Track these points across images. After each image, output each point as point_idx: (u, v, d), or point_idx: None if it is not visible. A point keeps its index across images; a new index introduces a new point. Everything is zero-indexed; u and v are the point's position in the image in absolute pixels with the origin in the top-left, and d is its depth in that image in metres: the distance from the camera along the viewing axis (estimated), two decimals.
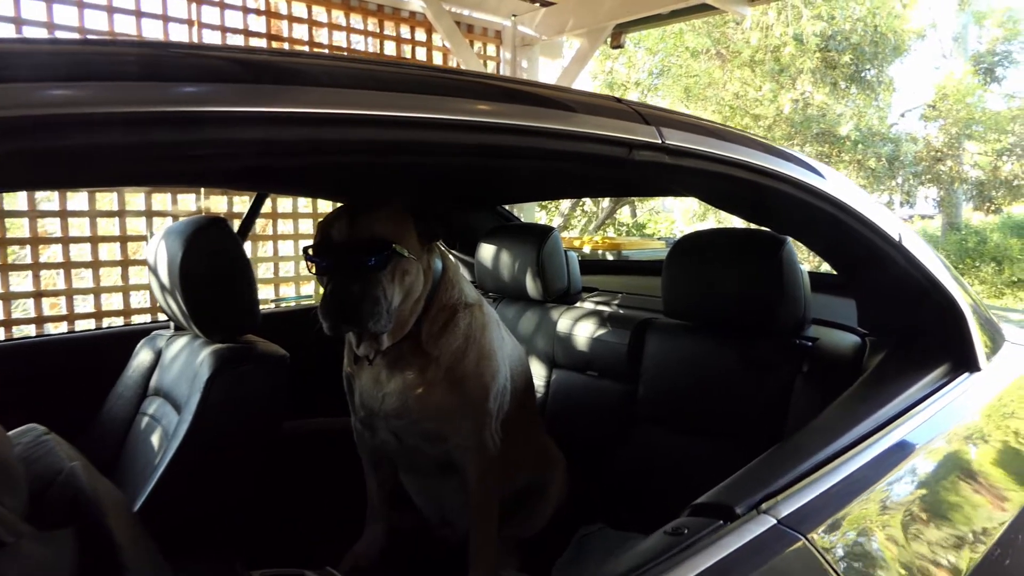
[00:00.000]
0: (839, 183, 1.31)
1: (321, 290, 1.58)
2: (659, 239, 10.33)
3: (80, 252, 3.91)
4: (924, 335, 1.48)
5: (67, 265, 3.82)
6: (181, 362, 1.81)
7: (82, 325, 3.91)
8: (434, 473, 1.82)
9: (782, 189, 1.20)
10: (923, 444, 1.15)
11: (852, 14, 11.31)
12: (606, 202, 12.85)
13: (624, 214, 14.13)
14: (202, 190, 4.17)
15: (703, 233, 1.89)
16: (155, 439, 1.78)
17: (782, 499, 0.91)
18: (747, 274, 1.69)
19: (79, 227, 3.87)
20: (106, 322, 4.02)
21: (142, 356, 1.99)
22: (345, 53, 4.79)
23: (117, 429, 1.91)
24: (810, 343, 1.69)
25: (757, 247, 1.69)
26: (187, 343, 1.83)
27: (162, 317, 2.22)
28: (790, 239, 1.70)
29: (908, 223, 12.74)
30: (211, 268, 1.69)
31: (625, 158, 0.97)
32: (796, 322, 1.70)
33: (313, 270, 1.57)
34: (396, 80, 0.79)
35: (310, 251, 1.55)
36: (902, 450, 1.10)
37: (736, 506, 0.87)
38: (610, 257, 7.65)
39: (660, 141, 1.00)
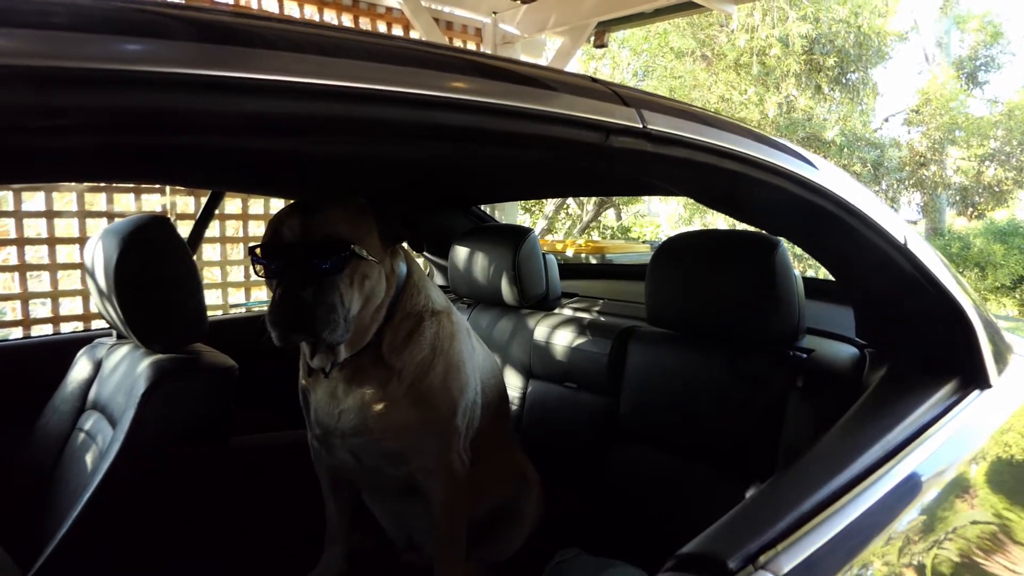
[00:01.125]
0: (838, 178, 1.18)
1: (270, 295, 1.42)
2: (644, 242, 10.22)
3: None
4: (929, 348, 1.36)
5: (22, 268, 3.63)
6: (120, 374, 1.66)
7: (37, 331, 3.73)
8: (398, 494, 1.68)
9: (777, 184, 1.07)
10: (935, 475, 1.02)
11: (836, 15, 11.27)
12: (591, 205, 12.74)
13: (609, 217, 14.03)
14: (167, 189, 3.99)
15: (690, 235, 1.76)
16: (89, 458, 1.63)
17: (783, 549, 0.77)
18: (737, 279, 1.56)
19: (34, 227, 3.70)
20: (66, 328, 3.84)
21: (80, 366, 1.83)
22: None
23: (52, 446, 1.75)
24: (805, 355, 1.56)
25: (748, 250, 1.56)
26: (128, 353, 1.68)
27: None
28: (784, 241, 1.57)
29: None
30: (151, 271, 1.54)
31: (601, 145, 0.83)
32: (790, 332, 1.57)
33: (261, 273, 1.42)
34: (334, 44, 0.65)
35: (258, 252, 1.39)
36: (915, 485, 0.97)
37: (729, 559, 0.73)
38: (593, 261, 7.52)
39: (641, 126, 0.86)
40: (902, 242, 1.27)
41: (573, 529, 1.83)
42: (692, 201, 13.89)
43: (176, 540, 1.59)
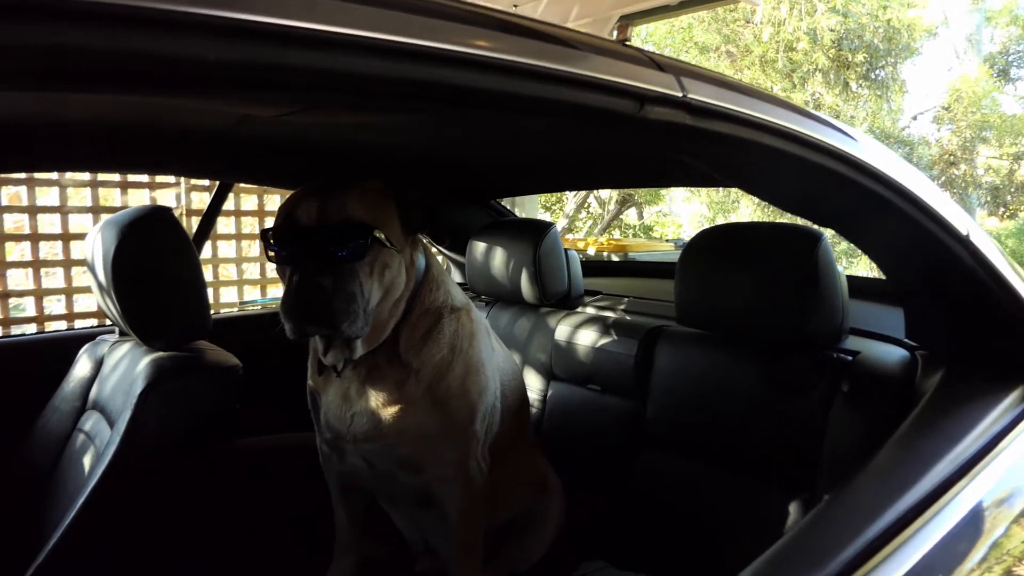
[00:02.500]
0: (893, 161, 1.06)
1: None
2: (668, 240, 10.02)
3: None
4: (993, 350, 1.23)
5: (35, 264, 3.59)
6: (120, 372, 1.58)
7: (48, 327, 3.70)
8: (413, 501, 1.58)
9: (826, 165, 0.95)
10: (1015, 493, 0.90)
11: (864, 9, 11.01)
12: (612, 204, 12.59)
13: (631, 217, 13.85)
14: (182, 184, 3.94)
15: (724, 228, 1.64)
16: (87, 460, 1.55)
17: None
18: (777, 276, 1.44)
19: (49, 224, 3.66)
20: (81, 325, 3.80)
21: (82, 364, 1.76)
22: None
23: (51, 446, 1.68)
24: (850, 357, 1.44)
25: (789, 244, 1.44)
26: (129, 351, 1.60)
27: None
28: (826, 235, 1.45)
29: None
30: (151, 264, 1.46)
31: (634, 115, 0.73)
32: (833, 333, 1.45)
33: (274, 259, 1.32)
34: None
35: (271, 237, 1.29)
36: (993, 505, 0.85)
37: None
38: (616, 259, 7.38)
39: (680, 94, 0.76)
40: (964, 234, 1.15)
41: (597, 539, 1.73)
42: (716, 200, 13.64)
43: (177, 545, 1.52)
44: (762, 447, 1.50)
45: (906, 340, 1.47)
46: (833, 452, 1.38)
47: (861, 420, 1.34)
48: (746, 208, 12.95)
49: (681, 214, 15.24)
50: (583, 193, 11.92)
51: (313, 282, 1.19)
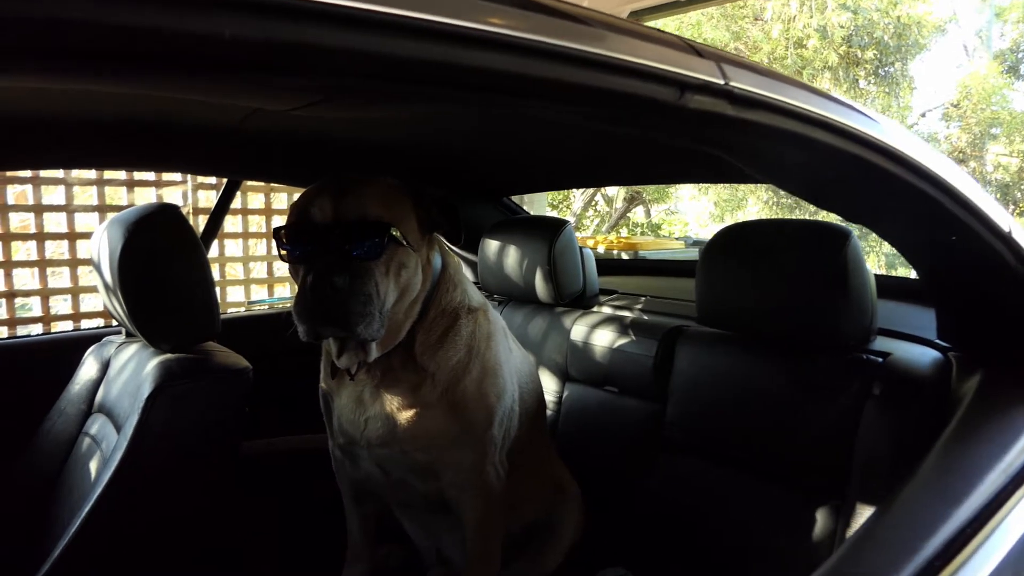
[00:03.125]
0: (934, 156, 1.01)
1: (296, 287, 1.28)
2: (678, 239, 9.93)
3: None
4: None
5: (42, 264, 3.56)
6: (127, 375, 1.54)
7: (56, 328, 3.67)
8: (427, 509, 1.54)
9: (872, 161, 0.90)
10: None
11: (874, 4, 10.92)
12: (619, 202, 12.51)
13: (638, 215, 13.78)
14: (188, 182, 3.90)
15: (747, 225, 1.59)
16: (93, 465, 1.52)
17: None
18: (805, 274, 1.39)
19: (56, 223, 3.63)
20: (86, 325, 3.77)
21: (88, 366, 1.72)
22: None
23: (57, 451, 1.65)
24: (880, 359, 1.38)
25: (817, 241, 1.39)
26: (136, 352, 1.57)
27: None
28: (855, 232, 1.40)
29: None
30: (158, 264, 1.42)
31: (674, 104, 0.68)
32: (861, 333, 1.40)
33: (286, 258, 1.27)
34: None
35: (283, 235, 1.25)
36: None
37: None
38: (626, 257, 7.31)
39: (722, 82, 0.71)
40: (1007, 231, 1.10)
41: (616, 546, 1.68)
42: (723, 198, 13.53)
43: (184, 551, 1.48)
44: (788, 452, 1.45)
45: (937, 341, 1.42)
46: (864, 457, 1.32)
47: (894, 425, 1.29)
48: (753, 207, 12.87)
49: (687, 212, 15.14)
50: (590, 191, 11.87)
51: (328, 282, 1.15)
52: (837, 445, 1.36)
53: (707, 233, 12.24)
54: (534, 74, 0.58)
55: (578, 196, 11.90)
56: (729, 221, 13.36)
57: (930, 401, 1.26)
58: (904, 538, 0.71)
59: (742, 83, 0.73)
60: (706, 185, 12.87)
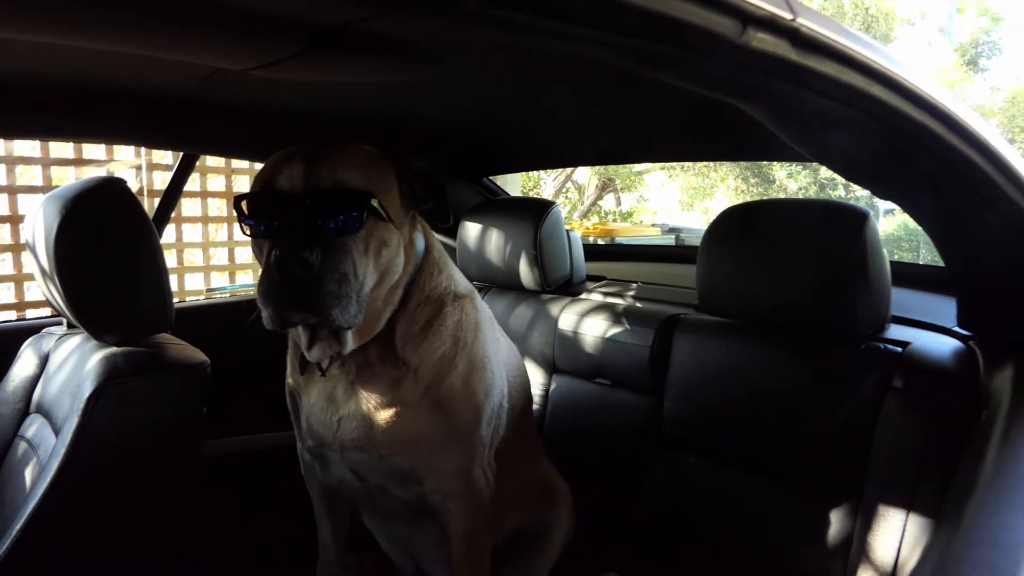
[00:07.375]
0: (988, 127, 0.90)
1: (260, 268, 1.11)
2: (654, 226, 9.85)
3: None
4: None
5: None
6: (67, 371, 1.38)
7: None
8: (406, 518, 1.40)
9: (921, 121, 0.79)
10: None
11: None
12: (591, 189, 12.42)
13: (608, 202, 13.71)
14: (143, 159, 3.66)
15: (754, 205, 1.48)
16: (28, 473, 1.36)
17: None
18: (819, 258, 1.28)
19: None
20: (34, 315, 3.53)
21: (24, 361, 1.55)
22: None
23: None
24: (899, 349, 1.28)
25: (832, 223, 1.29)
26: (78, 346, 1.40)
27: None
28: (871, 213, 1.29)
29: (891, 216, 12.53)
30: (101, 245, 1.26)
31: (734, 41, 0.55)
32: (879, 321, 1.30)
33: (249, 233, 1.11)
34: None
35: (245, 207, 1.08)
36: None
37: None
38: (603, 243, 7.23)
39: (791, 16, 0.58)
40: None
41: (610, 551, 1.57)
42: (692, 186, 13.54)
43: (139, 563, 1.32)
44: (799, 448, 1.35)
45: (957, 329, 1.33)
46: (885, 455, 1.23)
47: (919, 419, 1.19)
48: (723, 195, 12.90)
49: (654, 200, 15.09)
50: (562, 177, 11.76)
51: (298, 258, 0.98)
52: (854, 441, 1.27)
53: (675, 221, 12.23)
54: None
55: (549, 182, 11.78)
56: (698, 209, 13.37)
57: (959, 394, 1.17)
58: (995, 561, 0.60)
59: (810, 21, 0.60)
60: (675, 173, 12.87)
